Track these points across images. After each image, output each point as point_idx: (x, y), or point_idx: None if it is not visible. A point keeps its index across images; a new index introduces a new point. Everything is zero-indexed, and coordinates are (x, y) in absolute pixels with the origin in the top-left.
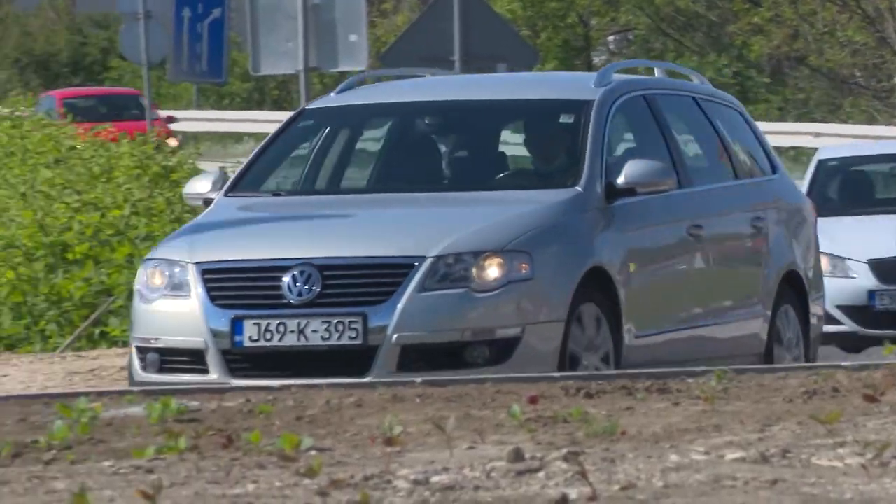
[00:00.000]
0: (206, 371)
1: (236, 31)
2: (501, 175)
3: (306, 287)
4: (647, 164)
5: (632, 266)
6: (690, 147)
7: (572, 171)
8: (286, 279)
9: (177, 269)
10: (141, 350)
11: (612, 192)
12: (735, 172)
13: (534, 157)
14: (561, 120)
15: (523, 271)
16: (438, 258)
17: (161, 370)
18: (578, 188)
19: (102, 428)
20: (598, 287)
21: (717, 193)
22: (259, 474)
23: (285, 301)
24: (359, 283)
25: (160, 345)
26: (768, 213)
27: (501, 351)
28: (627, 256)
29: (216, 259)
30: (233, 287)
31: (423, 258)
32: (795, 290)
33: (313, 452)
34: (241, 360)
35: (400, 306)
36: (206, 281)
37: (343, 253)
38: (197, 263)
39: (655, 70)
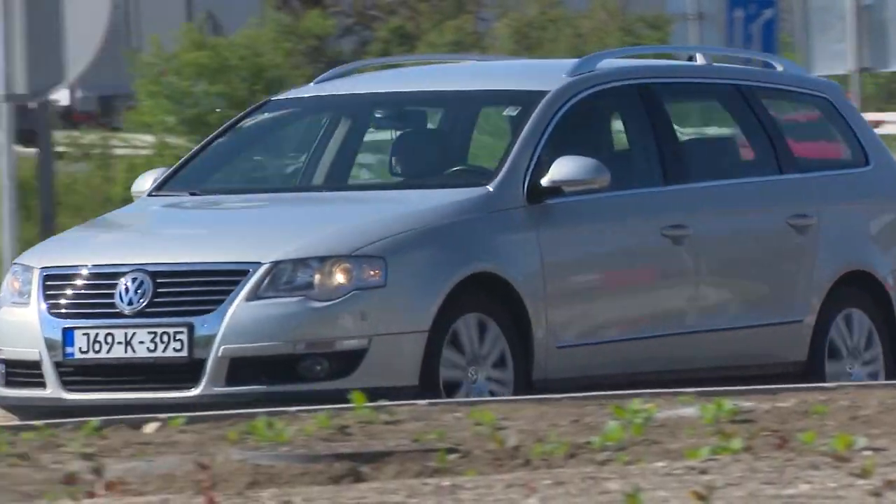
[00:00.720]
0: (43, 385)
1: (786, 31)
2: (413, 173)
3: (136, 295)
4: (577, 161)
5: (553, 270)
6: (718, 143)
7: (489, 169)
8: (120, 286)
9: (27, 275)
10: None
11: (537, 192)
12: (780, 167)
13: (460, 154)
14: (505, 113)
15: (374, 278)
16: (276, 263)
17: (7, 383)
18: (489, 188)
19: (656, 429)
20: (490, 294)
21: (728, 191)
22: (812, 475)
23: (117, 310)
24: (189, 292)
25: (3, 356)
26: (826, 210)
27: (343, 363)
28: (547, 259)
29: (57, 264)
30: (68, 295)
31: (259, 264)
32: (871, 293)
33: (867, 452)
34: (72, 374)
35: (228, 316)
36: (45, 288)
37: (176, 259)
38: (41, 269)
39: (697, 56)
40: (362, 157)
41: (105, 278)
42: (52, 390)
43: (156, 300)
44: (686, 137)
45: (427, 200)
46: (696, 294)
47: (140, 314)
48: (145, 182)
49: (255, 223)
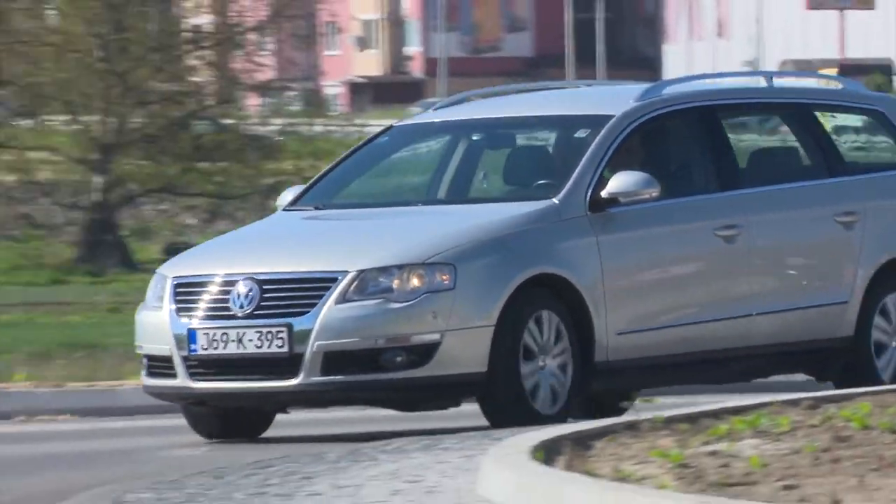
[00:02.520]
0: (174, 375)
1: None
2: (494, 189)
3: (247, 300)
4: (629, 175)
5: (610, 268)
6: (773, 153)
7: (558, 184)
8: (233, 292)
9: (162, 282)
10: (142, 357)
11: (598, 203)
12: (830, 171)
13: (537, 171)
14: (576, 135)
15: (445, 282)
16: (361, 272)
17: (149, 374)
18: (555, 200)
19: None
20: (559, 292)
21: (778, 195)
22: None
23: (231, 313)
24: (289, 296)
25: (144, 351)
26: (870, 207)
27: (419, 355)
28: (607, 260)
29: (184, 273)
30: (192, 300)
31: (346, 272)
32: None
33: None
34: (197, 366)
35: (321, 316)
36: (175, 294)
37: (279, 268)
38: (173, 277)
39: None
40: (454, 175)
41: (221, 285)
42: (182, 380)
43: (262, 304)
44: (744, 149)
45: (497, 212)
46: (752, 283)
47: (249, 316)
48: (288, 196)
49: (347, 235)
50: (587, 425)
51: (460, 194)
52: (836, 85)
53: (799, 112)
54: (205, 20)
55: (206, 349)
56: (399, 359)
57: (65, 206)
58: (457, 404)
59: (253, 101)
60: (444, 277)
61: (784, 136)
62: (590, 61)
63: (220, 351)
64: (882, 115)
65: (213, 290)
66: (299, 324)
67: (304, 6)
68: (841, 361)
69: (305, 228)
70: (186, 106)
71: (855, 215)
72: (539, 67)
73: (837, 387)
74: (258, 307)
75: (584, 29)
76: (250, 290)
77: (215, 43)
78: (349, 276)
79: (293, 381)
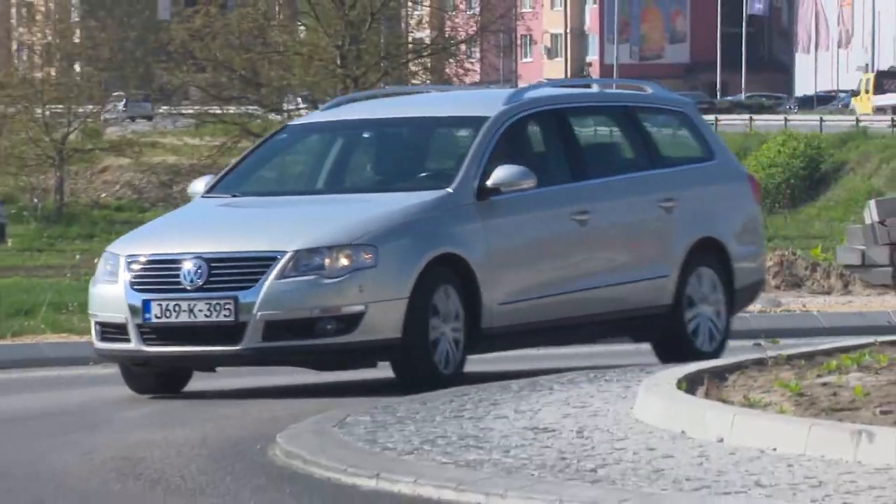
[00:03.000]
0: (128, 340)
1: None
2: (394, 180)
3: (196, 276)
4: (510, 168)
5: (495, 249)
6: (608, 148)
7: (450, 176)
8: (184, 269)
9: (115, 260)
10: (93, 323)
11: (484, 192)
12: (652, 164)
13: (430, 164)
14: (459, 133)
15: (368, 260)
16: (297, 251)
17: (102, 339)
18: (449, 189)
19: None
20: (456, 269)
21: (616, 184)
22: None
23: (182, 286)
24: (235, 272)
25: (98, 319)
26: (684, 194)
27: (347, 324)
28: (491, 241)
29: (137, 252)
30: (146, 275)
31: (284, 252)
32: (717, 254)
33: None
34: (150, 333)
35: (263, 290)
36: (129, 269)
37: (224, 248)
38: (126, 255)
39: (594, 85)
40: (353, 167)
41: (172, 263)
42: (136, 345)
43: (210, 279)
44: (586, 145)
45: (404, 200)
46: (599, 260)
47: (199, 289)
48: (199, 185)
49: (279, 220)
50: (722, 362)
51: (362, 184)
52: (646, 90)
53: (625, 114)
54: (425, 34)
55: (159, 318)
56: (330, 327)
57: None
58: (374, 365)
59: None
60: (368, 256)
61: (618, 134)
62: (735, 67)
63: (172, 320)
64: (685, 116)
65: (165, 267)
66: (244, 297)
67: (504, 23)
68: (662, 326)
69: (234, 214)
70: None
71: (673, 201)
72: (694, 72)
73: (655, 349)
74: (206, 282)
75: (731, 40)
76: (199, 268)
77: (433, 52)
78: (287, 256)
79: (238, 346)
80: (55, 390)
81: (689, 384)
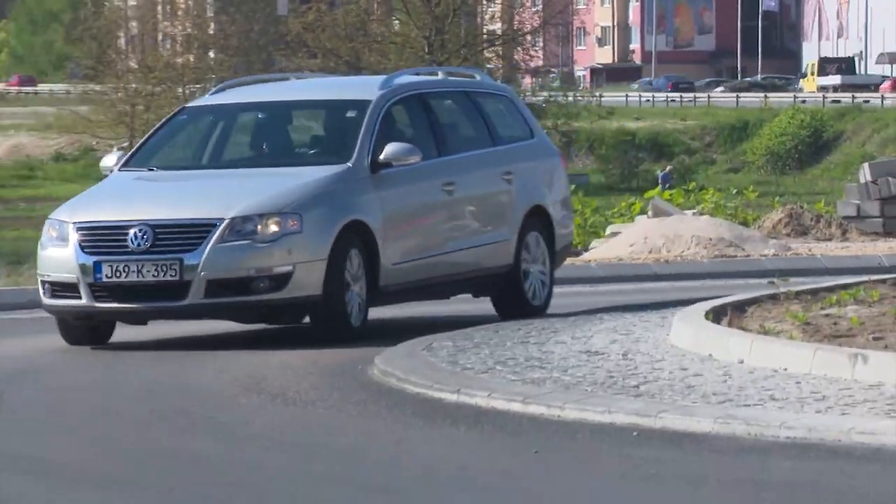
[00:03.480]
0: (79, 297)
1: None
2: (297, 155)
3: (143, 240)
4: (399, 145)
5: (388, 216)
6: (460, 127)
7: (347, 152)
8: (131, 234)
9: (63, 226)
10: (41, 283)
11: (376, 166)
12: (494, 142)
13: (326, 142)
14: (347, 115)
15: (294, 227)
16: (233, 219)
17: (52, 296)
18: (349, 164)
19: None
20: (360, 234)
21: (471, 159)
22: None
23: (130, 249)
24: (178, 237)
25: (49, 279)
26: (518, 168)
27: (278, 282)
28: (385, 209)
29: (86, 220)
30: (95, 239)
31: (223, 219)
32: (543, 220)
33: None
34: (100, 290)
35: (205, 252)
36: (79, 234)
37: (167, 216)
38: (74, 223)
39: (439, 73)
40: (255, 144)
41: (121, 229)
42: (87, 301)
43: (156, 243)
44: (444, 124)
45: (314, 173)
46: (462, 226)
47: (146, 252)
48: (111, 160)
49: (210, 191)
50: (743, 296)
51: (268, 160)
52: (476, 78)
53: (468, 98)
54: (496, 26)
55: (109, 277)
56: (263, 285)
57: None
58: (300, 320)
59: (527, 81)
60: (294, 223)
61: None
62: (752, 53)
63: (122, 279)
64: (508, 100)
65: (113, 232)
66: (188, 258)
67: (562, 17)
68: (504, 283)
69: (162, 186)
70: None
71: (512, 174)
72: (718, 58)
73: (495, 304)
74: (153, 245)
75: (749, 32)
76: (145, 233)
77: (504, 42)
78: (225, 223)
79: (183, 302)
80: (173, 323)
81: (715, 315)
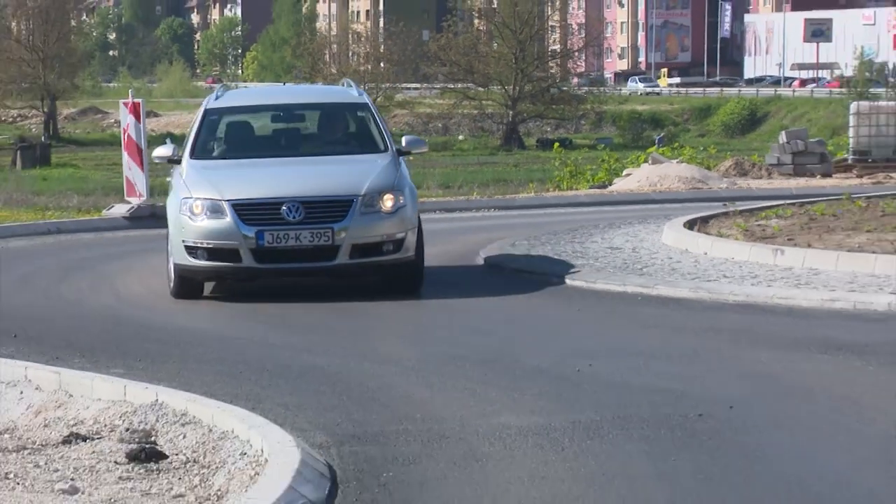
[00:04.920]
0: (240, 261)
1: None
2: (342, 145)
3: (297, 213)
4: (414, 138)
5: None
6: None
7: (381, 143)
8: (283, 208)
9: (214, 202)
10: (191, 248)
11: (401, 153)
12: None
13: (352, 136)
14: (358, 114)
15: (401, 201)
16: (363, 195)
17: (208, 259)
18: (388, 153)
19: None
20: None
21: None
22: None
23: (286, 220)
24: (325, 210)
25: (206, 245)
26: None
27: (398, 245)
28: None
29: (240, 198)
30: (253, 212)
31: (358, 195)
32: None
33: None
34: (262, 253)
35: (350, 223)
36: (235, 209)
37: (313, 193)
38: (228, 200)
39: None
40: (292, 137)
41: (274, 205)
42: (248, 262)
43: (308, 215)
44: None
45: (378, 159)
46: None
47: (301, 223)
48: (164, 151)
49: (332, 173)
50: (706, 213)
51: (322, 148)
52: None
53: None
54: (557, 46)
55: (270, 243)
56: (388, 248)
57: (496, 123)
58: (403, 276)
59: (574, 80)
60: (401, 198)
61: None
62: (713, 64)
63: (281, 244)
64: (367, 107)
65: (268, 207)
66: (338, 227)
67: (597, 41)
68: None
69: (259, 171)
70: (547, 83)
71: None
72: (693, 66)
73: None
74: (306, 217)
75: (712, 50)
76: (297, 208)
77: (561, 56)
78: (360, 198)
79: (333, 262)
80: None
81: (689, 224)
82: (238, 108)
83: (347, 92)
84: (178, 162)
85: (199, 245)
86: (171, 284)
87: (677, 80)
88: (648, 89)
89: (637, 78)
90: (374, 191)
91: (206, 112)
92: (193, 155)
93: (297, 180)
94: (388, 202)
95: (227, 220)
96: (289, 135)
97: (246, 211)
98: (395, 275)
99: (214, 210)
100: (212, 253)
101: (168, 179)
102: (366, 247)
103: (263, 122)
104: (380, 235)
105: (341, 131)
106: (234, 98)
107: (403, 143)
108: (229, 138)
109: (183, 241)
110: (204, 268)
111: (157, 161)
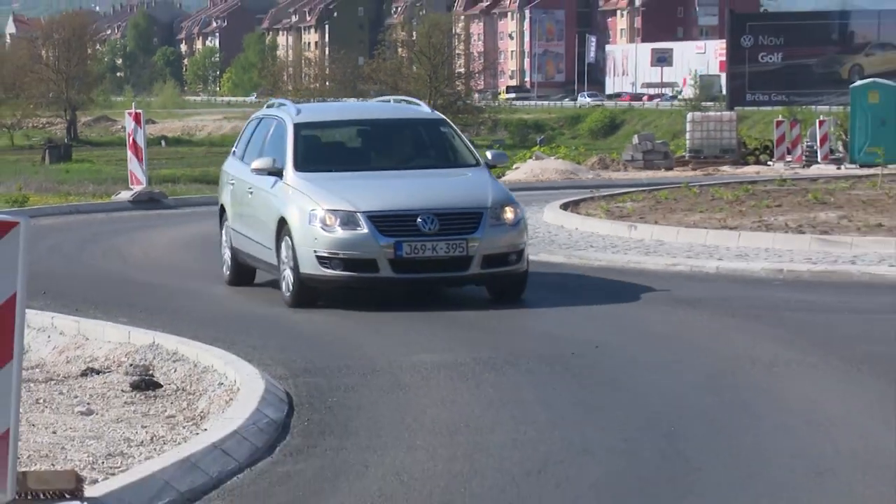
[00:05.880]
0: (376, 271)
1: None
2: (437, 159)
3: (432, 224)
4: (498, 152)
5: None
6: None
7: (472, 157)
8: (419, 220)
9: (348, 214)
10: (325, 259)
11: (489, 167)
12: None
13: (444, 150)
14: (441, 129)
15: (520, 214)
16: (490, 208)
17: (344, 269)
18: (482, 167)
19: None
20: None
21: None
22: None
23: (423, 232)
24: (459, 222)
25: (342, 256)
26: None
27: (519, 255)
28: None
29: (375, 209)
30: (390, 224)
31: (486, 208)
32: None
33: None
34: (400, 264)
35: (481, 235)
36: (371, 221)
37: (445, 205)
38: (363, 212)
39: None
40: (380, 152)
41: (410, 216)
42: (386, 273)
43: (442, 227)
44: None
45: (481, 173)
46: None
47: (437, 234)
48: (266, 163)
49: (457, 186)
50: (577, 198)
51: (418, 162)
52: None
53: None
54: (462, 69)
55: (408, 254)
56: (512, 258)
57: None
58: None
59: (476, 97)
60: (518, 210)
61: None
62: (582, 83)
63: (418, 255)
64: (447, 122)
65: (404, 219)
66: (471, 239)
67: (494, 65)
68: None
69: (377, 182)
70: (455, 97)
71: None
72: (567, 85)
73: None
74: (441, 228)
75: (581, 72)
76: (432, 220)
77: (465, 77)
78: (488, 211)
79: (466, 272)
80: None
81: (564, 206)
82: (325, 122)
83: (419, 109)
84: (278, 174)
85: (334, 255)
86: (288, 294)
87: (513, 95)
88: (582, 101)
89: (585, 93)
90: (498, 203)
91: (297, 127)
92: (297, 167)
93: (427, 193)
94: (509, 214)
95: (364, 231)
96: (382, 149)
97: (382, 222)
98: (511, 283)
99: (348, 221)
100: (347, 263)
101: (231, 185)
102: (495, 257)
103: (351, 137)
104: (506, 246)
105: (431, 145)
106: (314, 113)
107: (490, 157)
108: (327, 152)
109: (315, 252)
110: (337, 278)
111: (256, 173)
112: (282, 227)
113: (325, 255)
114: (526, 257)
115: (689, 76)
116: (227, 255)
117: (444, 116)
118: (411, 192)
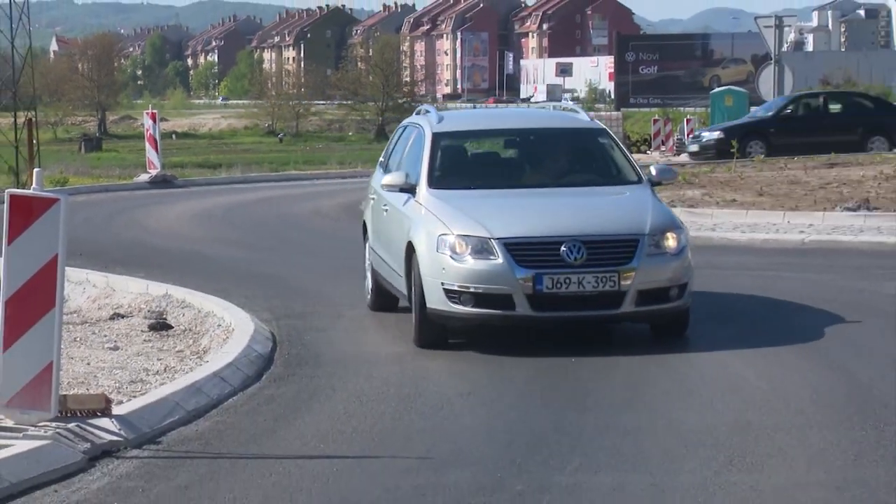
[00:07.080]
0: (513, 307)
1: None
2: (592, 175)
3: (578, 254)
4: (664, 167)
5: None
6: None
7: (633, 173)
8: (563, 248)
9: (482, 241)
10: (454, 293)
11: (653, 183)
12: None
13: (601, 165)
14: (599, 140)
15: (683, 241)
16: (648, 234)
17: (475, 305)
18: (644, 184)
19: None
20: None
21: None
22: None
23: (566, 263)
24: (609, 252)
25: (473, 290)
26: None
27: (681, 291)
28: None
29: (509, 236)
30: (529, 253)
31: (643, 234)
32: None
33: None
34: (540, 300)
35: (637, 265)
36: (508, 249)
37: (594, 231)
38: (497, 239)
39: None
40: (527, 166)
41: (553, 244)
42: (523, 311)
43: (590, 257)
44: None
45: (641, 192)
46: None
47: (583, 265)
48: (398, 178)
49: (608, 208)
50: None
51: (571, 179)
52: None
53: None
54: (408, 79)
55: (550, 289)
56: (673, 293)
57: (371, 125)
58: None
59: (419, 103)
60: (682, 237)
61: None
62: (502, 89)
63: (561, 290)
64: (607, 133)
65: (546, 247)
66: (624, 270)
67: (432, 76)
68: None
69: (520, 202)
70: (403, 100)
71: None
72: (489, 93)
73: None
74: (589, 259)
75: (501, 81)
76: (578, 248)
77: (409, 85)
78: (645, 238)
79: (618, 311)
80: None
81: None
82: (468, 132)
83: (577, 117)
84: (411, 191)
85: (464, 290)
86: (415, 332)
87: (459, 101)
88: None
89: (567, 97)
90: (658, 229)
91: (436, 137)
92: (431, 184)
93: (572, 216)
94: (671, 241)
95: (499, 260)
96: (532, 162)
97: (520, 251)
98: (672, 321)
99: (481, 249)
100: (479, 298)
101: (372, 199)
102: (652, 293)
103: (496, 148)
104: (667, 280)
105: (587, 159)
106: (457, 122)
107: (654, 173)
108: (468, 166)
109: (443, 284)
110: (466, 314)
111: (387, 190)
112: (410, 253)
113: (455, 288)
114: (689, 292)
115: (585, 84)
116: (368, 275)
117: (604, 126)
118: (556, 214)
